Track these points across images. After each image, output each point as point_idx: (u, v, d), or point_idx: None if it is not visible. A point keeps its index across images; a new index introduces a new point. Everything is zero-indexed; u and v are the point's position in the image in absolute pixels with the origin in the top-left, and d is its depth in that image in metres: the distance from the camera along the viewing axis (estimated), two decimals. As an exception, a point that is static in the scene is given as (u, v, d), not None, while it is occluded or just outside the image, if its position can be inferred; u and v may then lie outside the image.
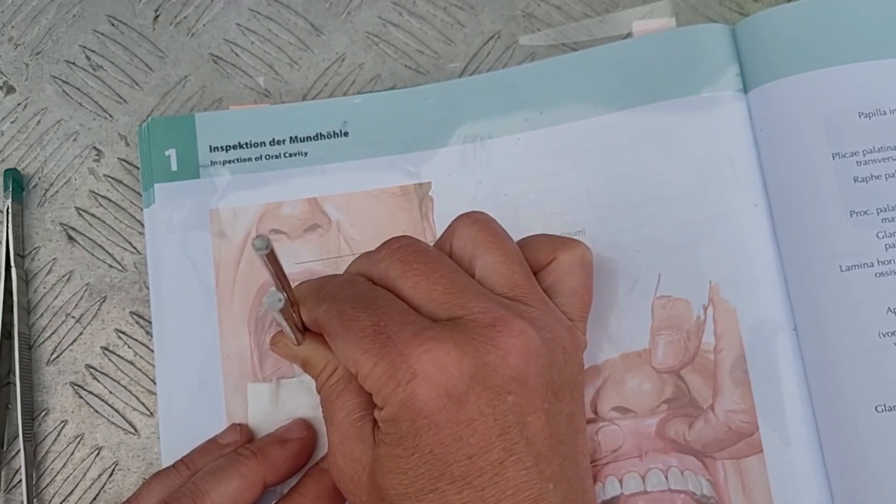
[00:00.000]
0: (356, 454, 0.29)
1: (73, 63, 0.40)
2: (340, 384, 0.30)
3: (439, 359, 0.26)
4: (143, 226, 0.38)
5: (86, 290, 0.37)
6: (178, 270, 0.36)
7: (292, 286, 0.32)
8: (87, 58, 0.40)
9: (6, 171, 0.38)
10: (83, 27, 0.40)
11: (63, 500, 0.36)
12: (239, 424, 0.34)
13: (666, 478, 0.33)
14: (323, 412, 0.31)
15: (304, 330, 0.31)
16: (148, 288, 0.37)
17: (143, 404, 0.36)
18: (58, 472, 0.36)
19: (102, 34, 0.40)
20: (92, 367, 0.37)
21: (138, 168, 0.38)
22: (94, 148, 0.39)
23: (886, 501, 0.31)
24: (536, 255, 0.31)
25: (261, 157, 0.37)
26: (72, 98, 0.40)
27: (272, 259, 0.25)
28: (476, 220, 0.31)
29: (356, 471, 0.29)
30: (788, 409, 0.33)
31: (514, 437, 0.27)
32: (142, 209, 0.38)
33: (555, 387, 0.28)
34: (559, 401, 0.28)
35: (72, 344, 0.37)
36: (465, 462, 0.26)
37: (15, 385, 0.36)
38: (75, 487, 0.36)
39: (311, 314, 0.30)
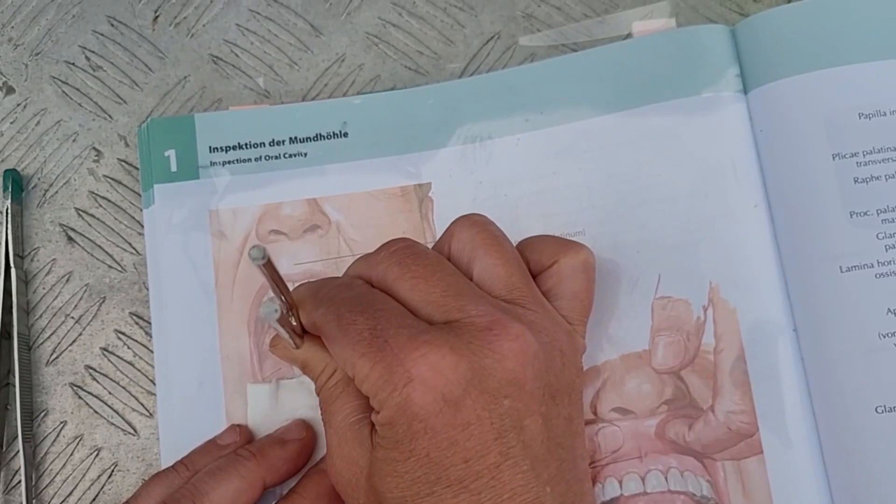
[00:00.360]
0: (354, 457, 0.29)
1: (73, 63, 0.40)
2: (339, 387, 0.30)
3: (435, 363, 0.26)
4: (142, 226, 0.38)
5: (85, 291, 0.37)
6: (178, 271, 0.36)
7: (292, 288, 0.32)
8: (87, 58, 0.40)
9: (6, 171, 0.38)
10: (83, 28, 0.40)
11: (62, 501, 0.36)
12: (238, 425, 0.34)
13: (666, 479, 0.33)
14: (322, 414, 0.31)
15: (302, 333, 0.31)
16: (147, 289, 0.37)
17: (143, 405, 0.36)
18: (57, 473, 0.36)
19: (102, 35, 0.40)
20: (91, 368, 0.37)
21: (138, 169, 0.38)
22: (94, 148, 0.39)
23: (886, 502, 0.31)
24: (539, 257, 0.31)
25: (260, 157, 0.37)
26: (71, 99, 0.40)
27: (269, 268, 0.25)
28: (475, 223, 0.31)
29: (354, 473, 0.29)
30: (788, 410, 0.33)
31: (511, 441, 0.27)
32: (141, 210, 0.38)
33: (552, 390, 0.28)
34: (557, 404, 0.28)
35: (71, 345, 0.37)
36: (461, 466, 0.26)
37: (14, 386, 0.36)
38: (75, 488, 0.36)
39: (309, 317, 0.30)
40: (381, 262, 0.30)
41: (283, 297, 0.29)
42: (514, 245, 0.32)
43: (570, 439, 0.29)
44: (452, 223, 0.31)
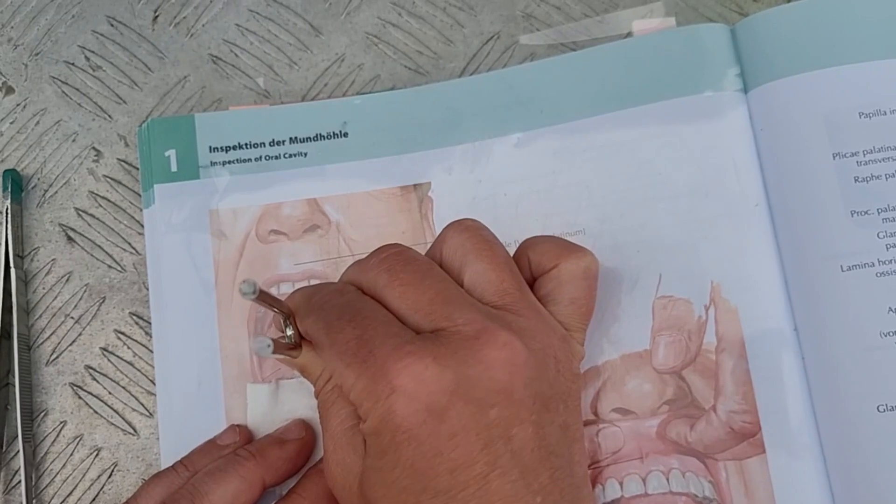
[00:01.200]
0: (348, 463, 0.29)
1: (73, 63, 0.40)
2: (335, 392, 0.30)
3: (418, 373, 0.26)
4: (142, 226, 0.38)
5: (85, 291, 0.37)
6: (178, 271, 0.36)
7: (293, 286, 0.32)
8: (87, 58, 0.40)
9: (5, 171, 0.38)
10: (82, 28, 0.40)
11: (62, 501, 0.35)
12: (238, 425, 0.34)
13: (667, 480, 0.33)
14: (319, 418, 0.31)
15: (300, 339, 0.31)
16: (147, 288, 0.37)
17: (143, 405, 0.36)
18: (57, 473, 0.36)
19: (101, 35, 0.40)
20: (91, 368, 0.37)
21: (137, 169, 0.38)
22: (94, 148, 0.39)
23: (888, 500, 0.31)
24: (541, 259, 0.31)
25: (260, 157, 0.37)
26: (71, 98, 0.40)
27: (263, 299, 0.25)
28: (466, 228, 0.31)
29: (347, 479, 0.29)
30: (791, 410, 0.33)
31: (499, 451, 0.26)
32: (141, 210, 0.38)
33: (544, 398, 0.28)
34: (550, 411, 0.28)
35: (71, 345, 0.37)
36: (447, 476, 0.26)
37: (14, 386, 0.36)
38: (74, 488, 0.36)
39: (302, 324, 0.30)
40: (370, 268, 0.30)
41: (283, 316, 0.29)
42: (519, 243, 0.32)
43: (565, 447, 0.28)
44: (444, 228, 0.31)
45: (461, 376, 0.26)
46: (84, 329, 0.37)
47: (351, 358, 0.27)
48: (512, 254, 0.31)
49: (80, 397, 0.36)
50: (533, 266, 0.31)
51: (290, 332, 0.30)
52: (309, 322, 0.30)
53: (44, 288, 0.37)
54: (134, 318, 0.37)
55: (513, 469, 0.26)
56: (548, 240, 0.32)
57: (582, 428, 0.30)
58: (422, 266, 0.29)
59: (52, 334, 0.37)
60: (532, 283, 0.31)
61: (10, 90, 0.40)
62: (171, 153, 0.37)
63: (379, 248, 0.30)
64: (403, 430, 0.26)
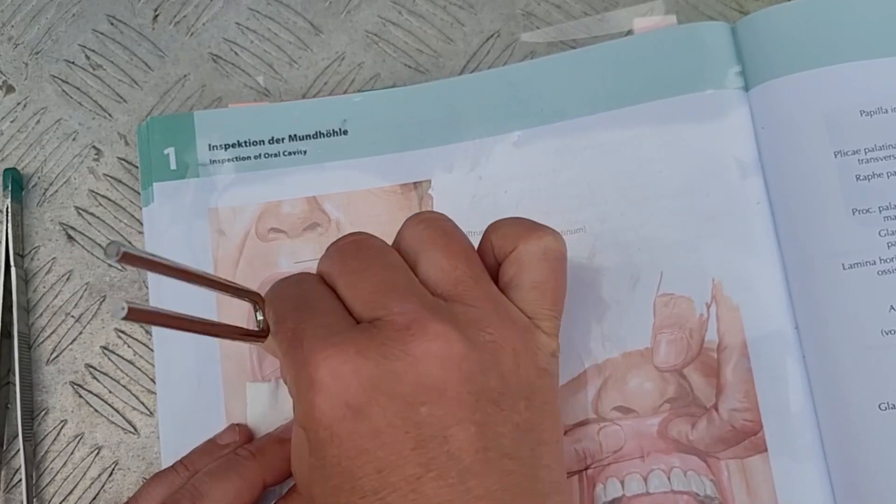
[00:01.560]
0: (304, 457, 0.27)
1: (73, 62, 0.40)
2: None
3: (337, 367, 0.25)
4: (142, 225, 0.38)
5: (85, 290, 0.37)
6: (178, 270, 0.36)
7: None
8: (87, 57, 0.40)
9: (6, 170, 0.38)
10: (82, 26, 0.40)
11: (63, 500, 0.35)
12: (238, 425, 0.34)
13: (668, 479, 0.33)
14: None
15: (268, 329, 0.30)
16: (147, 287, 0.37)
17: (143, 404, 0.36)
18: (57, 472, 0.36)
19: (102, 33, 0.40)
20: (91, 367, 0.37)
21: (137, 167, 0.38)
22: (94, 147, 0.39)
23: (889, 499, 0.31)
24: (503, 242, 0.29)
25: (260, 155, 0.37)
26: (71, 97, 0.39)
27: (132, 260, 0.24)
28: (423, 219, 0.29)
29: (304, 474, 0.28)
30: (792, 408, 0.33)
31: (433, 452, 0.25)
32: (141, 208, 0.38)
33: (494, 395, 0.26)
34: (502, 410, 0.26)
35: (71, 343, 0.37)
36: (374, 476, 0.25)
37: (14, 385, 0.36)
38: (75, 487, 0.36)
39: (266, 314, 0.30)
40: (328, 256, 0.29)
41: (251, 302, 0.29)
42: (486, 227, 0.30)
43: (525, 449, 0.26)
44: (404, 221, 0.30)
45: (384, 370, 0.25)
46: (84, 328, 0.37)
47: (286, 348, 0.27)
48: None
49: (80, 396, 0.36)
50: (496, 250, 0.29)
51: (260, 317, 0.30)
52: (268, 311, 0.29)
53: (44, 287, 0.37)
54: (134, 316, 0.37)
55: (450, 472, 0.25)
56: (510, 221, 0.30)
57: (558, 429, 0.28)
58: (372, 253, 0.28)
59: (52, 333, 0.37)
60: (497, 269, 0.30)
61: (10, 89, 0.40)
62: (171, 151, 0.37)
63: (342, 236, 0.29)
64: (324, 427, 0.25)
